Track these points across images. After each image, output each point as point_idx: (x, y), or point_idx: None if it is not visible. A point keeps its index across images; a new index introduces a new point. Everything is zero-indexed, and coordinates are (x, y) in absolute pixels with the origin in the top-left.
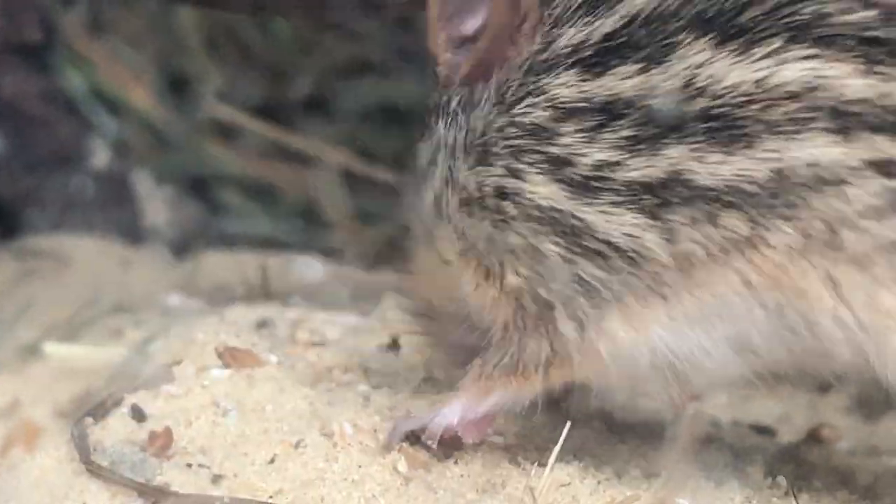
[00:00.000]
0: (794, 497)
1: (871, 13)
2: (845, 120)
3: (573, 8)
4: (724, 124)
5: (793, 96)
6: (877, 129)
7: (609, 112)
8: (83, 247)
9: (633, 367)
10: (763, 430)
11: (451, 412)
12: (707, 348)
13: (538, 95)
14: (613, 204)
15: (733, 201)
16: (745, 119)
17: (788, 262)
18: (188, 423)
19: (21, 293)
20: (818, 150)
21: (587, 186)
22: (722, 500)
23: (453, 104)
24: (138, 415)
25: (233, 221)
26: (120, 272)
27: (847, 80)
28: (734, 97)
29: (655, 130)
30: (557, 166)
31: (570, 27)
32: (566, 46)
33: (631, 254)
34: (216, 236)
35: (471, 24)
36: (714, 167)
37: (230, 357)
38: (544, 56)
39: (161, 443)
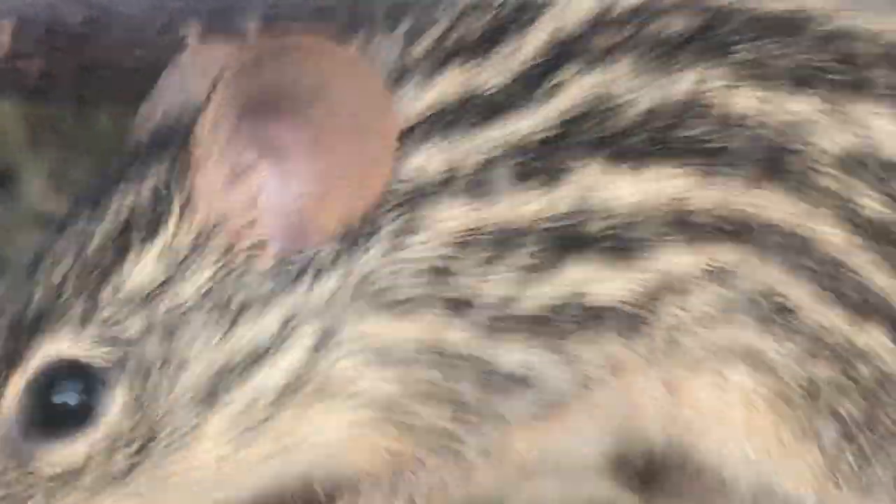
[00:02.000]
0: None
1: (709, 126)
2: (690, 230)
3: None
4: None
5: (656, 211)
6: (714, 237)
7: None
8: None
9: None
10: None
11: None
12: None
13: (428, 229)
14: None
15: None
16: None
17: (639, 376)
18: None
19: None
20: (672, 258)
21: (490, 326)
22: None
23: (322, 255)
24: None
25: None
26: None
27: (693, 191)
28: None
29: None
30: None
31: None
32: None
33: (533, 381)
34: None
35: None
36: (607, 286)
37: None
38: (417, 183)
39: None
